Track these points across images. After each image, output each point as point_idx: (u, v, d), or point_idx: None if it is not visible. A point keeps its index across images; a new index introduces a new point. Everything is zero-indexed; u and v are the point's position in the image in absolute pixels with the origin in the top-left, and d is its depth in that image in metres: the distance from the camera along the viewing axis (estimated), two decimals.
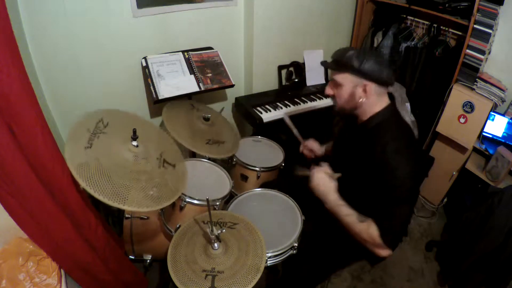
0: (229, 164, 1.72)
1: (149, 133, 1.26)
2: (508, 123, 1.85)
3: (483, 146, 1.89)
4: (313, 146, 1.58)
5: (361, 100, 1.11)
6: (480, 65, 1.85)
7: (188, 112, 1.70)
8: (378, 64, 1.07)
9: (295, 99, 2.21)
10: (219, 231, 1.06)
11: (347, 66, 1.08)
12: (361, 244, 1.26)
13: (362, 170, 1.11)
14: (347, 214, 1.10)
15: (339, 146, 1.38)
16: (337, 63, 1.12)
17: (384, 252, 1.08)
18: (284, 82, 2.35)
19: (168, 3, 1.76)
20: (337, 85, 1.14)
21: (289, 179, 1.67)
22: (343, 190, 1.16)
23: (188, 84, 1.77)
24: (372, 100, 1.11)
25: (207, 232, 1.06)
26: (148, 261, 1.56)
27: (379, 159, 1.04)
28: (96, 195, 0.96)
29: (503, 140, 1.89)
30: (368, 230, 1.06)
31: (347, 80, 1.11)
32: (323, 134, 1.85)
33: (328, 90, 1.19)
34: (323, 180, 1.15)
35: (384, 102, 1.14)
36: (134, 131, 1.13)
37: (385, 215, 1.05)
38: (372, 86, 1.08)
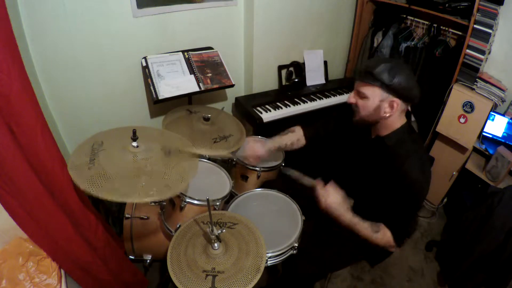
0: (229, 164, 1.72)
1: (147, 133, 1.26)
2: (508, 123, 1.85)
3: (483, 146, 1.89)
4: (254, 148, 1.45)
5: (385, 115, 1.10)
6: (480, 65, 1.84)
7: (187, 118, 1.70)
8: (409, 82, 1.05)
9: (295, 99, 2.21)
10: (219, 231, 1.06)
11: (377, 80, 1.04)
12: (360, 245, 1.26)
13: (378, 181, 1.14)
14: (363, 228, 1.12)
15: (348, 157, 1.36)
16: (367, 75, 1.07)
17: (392, 249, 1.16)
18: (284, 82, 2.35)
19: (168, 3, 1.76)
20: (362, 96, 1.11)
21: (289, 179, 1.67)
22: (355, 198, 1.22)
23: (188, 84, 1.77)
24: (395, 116, 1.11)
25: (207, 232, 1.06)
26: (148, 261, 1.56)
27: (403, 176, 1.08)
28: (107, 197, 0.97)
29: (503, 140, 1.89)
30: (384, 238, 1.12)
31: (374, 94, 1.08)
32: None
33: (351, 99, 1.16)
34: (336, 201, 1.13)
35: (403, 119, 1.15)
36: (134, 132, 1.13)
37: (400, 221, 1.12)
38: (399, 103, 1.07)
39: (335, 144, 1.49)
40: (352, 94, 1.16)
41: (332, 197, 1.13)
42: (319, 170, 1.53)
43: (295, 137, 1.48)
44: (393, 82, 1.03)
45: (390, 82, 1.03)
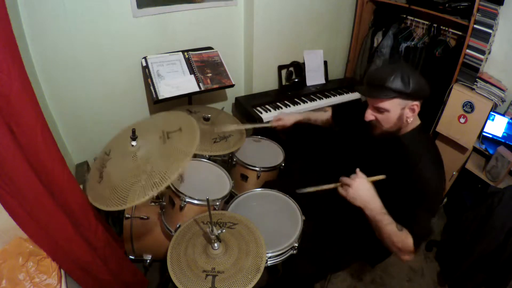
0: (229, 164, 1.72)
1: (147, 126, 1.27)
2: (508, 123, 1.85)
3: (483, 146, 1.89)
4: (282, 117, 1.54)
5: (408, 120, 1.09)
6: (480, 65, 1.85)
7: None
8: (420, 80, 1.04)
9: (295, 99, 2.21)
10: (219, 231, 1.06)
11: (395, 92, 1.03)
12: (360, 245, 1.26)
13: (393, 181, 1.08)
14: (389, 222, 1.03)
15: (359, 157, 1.29)
16: (381, 90, 1.04)
17: (409, 257, 1.06)
18: (284, 82, 2.35)
19: (168, 3, 1.76)
20: (382, 111, 1.09)
21: (289, 179, 1.67)
22: None
23: (188, 84, 1.77)
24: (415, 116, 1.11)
25: (207, 232, 1.06)
26: (148, 261, 1.56)
27: (417, 175, 1.04)
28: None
29: (503, 140, 1.89)
30: (406, 239, 1.03)
31: (394, 105, 1.06)
32: (323, 134, 1.85)
33: (369, 116, 1.12)
34: (365, 186, 1.06)
35: (417, 119, 1.14)
36: (133, 131, 1.13)
37: (418, 224, 1.05)
38: (418, 104, 1.07)
39: (345, 145, 1.46)
40: (369, 111, 1.13)
41: (362, 180, 1.07)
42: (329, 174, 1.52)
43: (324, 116, 1.54)
44: (411, 88, 1.02)
45: (409, 89, 1.02)
